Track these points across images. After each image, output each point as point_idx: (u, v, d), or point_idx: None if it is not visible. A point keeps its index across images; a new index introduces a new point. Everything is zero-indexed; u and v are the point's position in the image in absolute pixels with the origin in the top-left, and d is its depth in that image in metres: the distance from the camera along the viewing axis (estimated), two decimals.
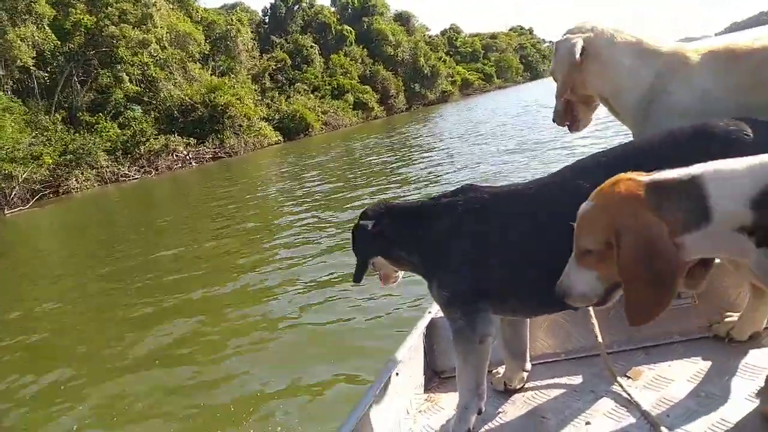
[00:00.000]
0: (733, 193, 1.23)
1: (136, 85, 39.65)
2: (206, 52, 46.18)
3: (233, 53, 53.73)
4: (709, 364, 1.84)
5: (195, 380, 4.52)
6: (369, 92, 60.79)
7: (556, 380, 2.00)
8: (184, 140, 36.63)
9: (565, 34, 2.07)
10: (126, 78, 38.53)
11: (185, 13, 55.04)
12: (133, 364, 5.06)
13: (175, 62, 42.06)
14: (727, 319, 1.95)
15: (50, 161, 29.02)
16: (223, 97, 39.72)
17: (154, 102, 39.92)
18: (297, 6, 65.32)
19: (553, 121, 2.26)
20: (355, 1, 69.64)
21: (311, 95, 56.82)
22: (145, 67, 38.77)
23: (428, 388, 2.23)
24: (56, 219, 22.61)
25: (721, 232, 1.24)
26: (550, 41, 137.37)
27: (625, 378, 1.88)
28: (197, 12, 55.95)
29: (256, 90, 55.05)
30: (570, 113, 2.21)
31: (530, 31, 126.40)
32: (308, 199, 12.77)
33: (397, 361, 2.10)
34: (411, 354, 2.18)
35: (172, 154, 34.97)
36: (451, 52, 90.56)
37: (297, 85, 56.53)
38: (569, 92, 2.11)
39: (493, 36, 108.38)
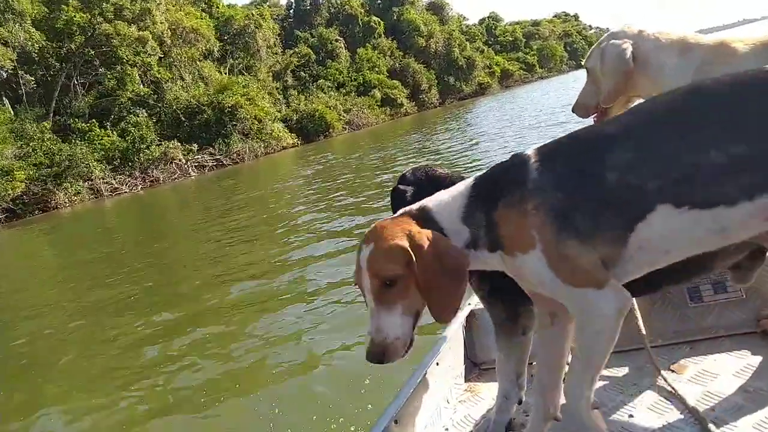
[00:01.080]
0: (450, 215, 1.44)
1: (145, 87, 36.53)
2: (216, 49, 42.60)
3: (252, 50, 50.17)
4: (757, 359, 1.79)
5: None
6: (398, 87, 56.21)
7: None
8: (184, 147, 33.06)
9: (610, 38, 2.08)
10: (129, 80, 35.33)
11: (203, 8, 52.10)
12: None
13: (183, 61, 38.67)
14: None
15: (23, 176, 25.82)
16: (231, 97, 36.01)
17: (160, 105, 36.63)
18: None
19: (573, 111, 2.28)
20: None
21: (335, 92, 52.76)
22: (148, 68, 35.40)
23: (468, 378, 2.24)
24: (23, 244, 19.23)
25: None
26: (597, 27, 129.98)
27: (670, 372, 1.84)
28: (216, 7, 52.82)
29: (277, 88, 51.43)
30: (602, 109, 2.19)
31: (575, 17, 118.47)
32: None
33: (438, 351, 2.11)
34: (451, 344, 2.19)
35: (171, 163, 31.42)
36: (490, 42, 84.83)
37: (320, 81, 52.54)
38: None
39: (536, 23, 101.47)
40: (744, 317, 1.98)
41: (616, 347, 1.91)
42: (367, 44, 58.86)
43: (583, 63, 2.25)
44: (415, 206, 1.50)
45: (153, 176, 31.11)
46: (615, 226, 1.30)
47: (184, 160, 31.44)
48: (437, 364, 2.07)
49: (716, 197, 1.25)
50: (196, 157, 32.99)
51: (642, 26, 2.04)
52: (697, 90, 1.36)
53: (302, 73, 53.54)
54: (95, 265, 11.22)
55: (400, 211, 1.51)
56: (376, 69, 57.31)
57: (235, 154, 34.62)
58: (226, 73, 47.88)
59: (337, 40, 56.90)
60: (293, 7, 61.75)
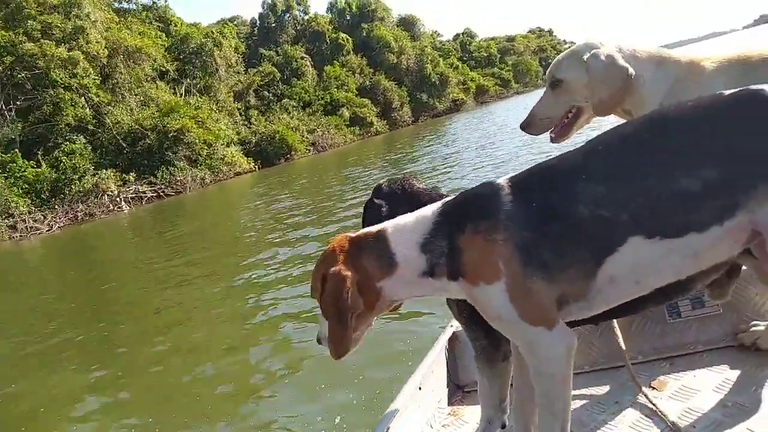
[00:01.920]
0: (407, 241, 1.42)
1: (87, 111, 32.91)
2: (172, 69, 39.22)
3: (210, 69, 46.86)
4: (735, 373, 1.79)
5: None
6: (368, 105, 53.17)
7: (580, 392, 1.91)
8: (121, 177, 29.42)
9: (588, 49, 2.01)
10: (66, 104, 31.70)
11: (159, 27, 48.78)
12: None
13: (128, 83, 35.19)
14: (753, 328, 1.91)
15: None
16: (177, 120, 32.52)
17: (100, 131, 33.04)
18: (287, 15, 58.18)
19: (523, 128, 2.19)
20: (353, 7, 62.22)
21: (300, 112, 49.55)
22: (86, 91, 31.85)
23: (451, 401, 2.21)
24: None
25: (410, 277, 1.43)
26: (571, 41, 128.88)
27: (650, 389, 1.83)
28: (174, 25, 49.53)
29: (239, 108, 48.11)
30: (563, 123, 2.15)
31: (550, 32, 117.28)
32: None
33: (420, 375, 2.08)
34: (433, 368, 2.17)
35: (103, 196, 27.76)
36: (464, 58, 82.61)
37: (284, 101, 49.32)
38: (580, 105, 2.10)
39: (510, 39, 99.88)
40: (722, 331, 1.98)
41: (598, 365, 2.02)
42: (335, 62, 55.87)
43: (553, 74, 2.10)
44: (375, 229, 1.49)
45: (82, 210, 27.36)
46: (585, 260, 1.29)
47: (116, 192, 27.74)
48: (419, 388, 2.03)
49: (687, 224, 1.24)
50: (133, 187, 29.28)
51: (613, 40, 2.02)
52: (661, 118, 1.34)
53: (266, 92, 50.31)
54: (19, 315, 9.67)
55: (359, 232, 1.51)
56: (345, 87, 54.28)
57: (178, 183, 30.97)
58: (182, 94, 44.53)
59: (302, 58, 53.83)
60: (257, 24, 58.62)
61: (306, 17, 59.51)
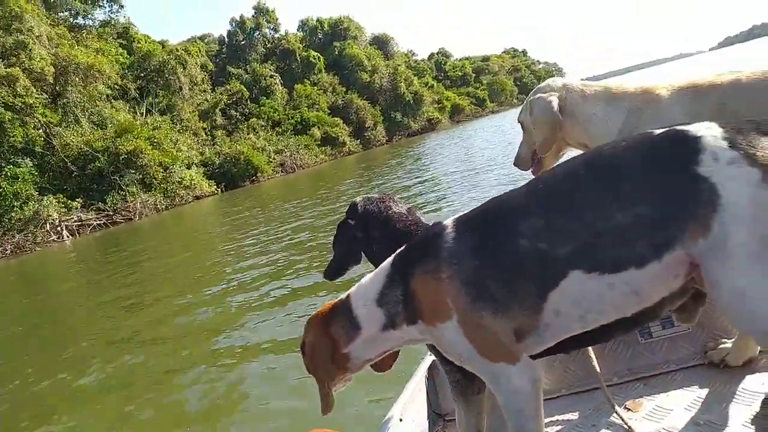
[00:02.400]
0: (365, 300, 1.46)
1: (35, 132, 30.34)
2: (121, 87, 36.88)
3: (173, 88, 44.62)
4: (705, 391, 1.82)
5: None
6: (339, 125, 51.38)
7: (557, 417, 1.93)
8: (65, 203, 26.84)
9: (536, 93, 2.17)
10: (10, 125, 29.12)
11: (121, 44, 46.49)
12: None
13: (80, 102, 32.74)
14: (721, 346, 1.93)
15: None
16: (130, 142, 30.11)
17: (49, 154, 30.47)
18: (257, 33, 56.35)
19: (515, 165, 2.35)
20: (325, 25, 60.73)
21: (269, 131, 47.48)
22: (31, 110, 29.33)
23: (433, 431, 2.17)
24: None
25: (375, 334, 1.46)
26: (545, 62, 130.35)
27: (626, 410, 1.85)
28: (138, 42, 47.27)
29: (205, 128, 45.83)
30: (535, 158, 2.28)
31: (524, 52, 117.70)
32: None
33: (401, 405, 2.05)
34: (414, 396, 2.14)
35: (45, 224, 25.13)
36: (440, 77, 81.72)
37: (252, 120, 47.21)
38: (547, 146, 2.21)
39: (485, 59, 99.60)
40: (692, 350, 2.00)
41: (574, 388, 2.03)
42: (305, 80, 54.09)
43: (517, 118, 2.29)
44: (345, 294, 1.54)
45: (20, 241, 24.69)
46: (529, 293, 1.30)
47: (57, 221, 25.15)
48: (400, 419, 2.01)
49: (625, 259, 1.25)
50: (79, 215, 26.68)
51: (566, 80, 2.15)
52: (597, 156, 1.37)
53: (233, 111, 48.17)
54: None
55: (336, 300, 1.56)
56: (316, 106, 52.44)
57: (128, 210, 28.41)
58: (142, 114, 42.14)
59: (272, 77, 51.93)
60: (226, 42, 56.64)
61: (276, 35, 57.76)
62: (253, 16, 56.78)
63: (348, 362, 1.51)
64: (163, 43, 47.16)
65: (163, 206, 30.16)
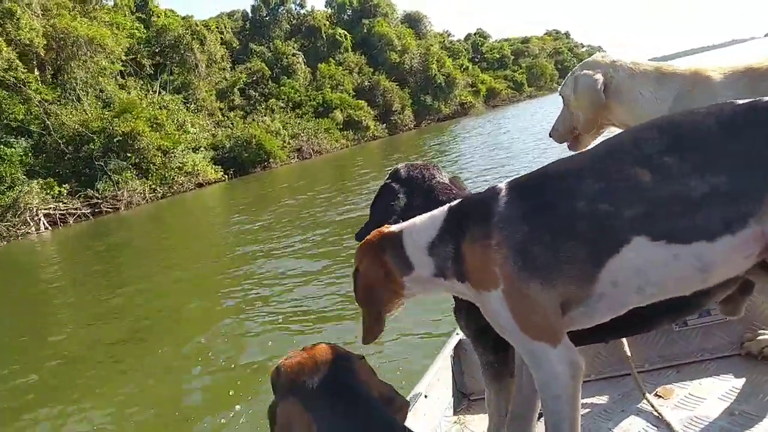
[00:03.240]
0: (415, 244, 1.40)
1: (37, 109, 28.07)
2: (132, 63, 34.31)
3: (189, 65, 41.92)
4: (742, 381, 1.76)
5: None
6: (364, 108, 47.88)
7: (586, 401, 1.87)
8: (47, 189, 24.35)
9: (582, 68, 2.05)
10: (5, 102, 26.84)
11: (138, 17, 43.97)
12: None
13: (81, 79, 30.24)
14: (760, 337, 1.89)
15: None
16: (127, 123, 27.43)
17: (45, 133, 28.14)
18: (281, 8, 53.01)
19: (550, 136, 2.25)
20: (354, 1, 56.90)
21: (290, 113, 44.46)
22: (23, 85, 26.94)
23: (458, 410, 2.15)
24: None
25: (427, 277, 1.41)
26: (588, 45, 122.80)
27: (656, 397, 1.81)
28: (157, 16, 44.68)
29: (221, 109, 43.11)
30: (573, 133, 2.18)
31: (567, 34, 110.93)
32: None
33: (426, 383, 2.04)
34: (439, 375, 2.12)
35: (23, 213, 22.67)
36: (476, 59, 77.04)
37: (271, 101, 44.22)
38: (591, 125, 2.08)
39: (525, 41, 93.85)
40: (728, 340, 1.94)
41: (604, 373, 1.95)
42: (330, 59, 50.65)
43: (558, 90, 2.19)
44: (396, 228, 1.47)
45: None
46: (585, 260, 1.22)
47: (35, 210, 22.67)
48: (425, 396, 1.99)
49: (695, 230, 1.18)
50: (58, 203, 24.19)
51: (617, 56, 2.01)
52: (673, 123, 1.29)
53: (252, 91, 45.27)
54: None
55: (390, 229, 1.48)
56: (341, 87, 49.05)
57: (114, 199, 25.72)
58: (155, 92, 39.61)
59: (294, 55, 48.68)
60: (249, 18, 53.53)
61: (302, 11, 54.35)
62: None
63: (403, 290, 1.45)
64: (176, 17, 44.29)
65: (160, 194, 27.47)
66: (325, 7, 57.65)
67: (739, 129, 1.18)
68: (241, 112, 43.12)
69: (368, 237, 1.49)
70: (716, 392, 1.74)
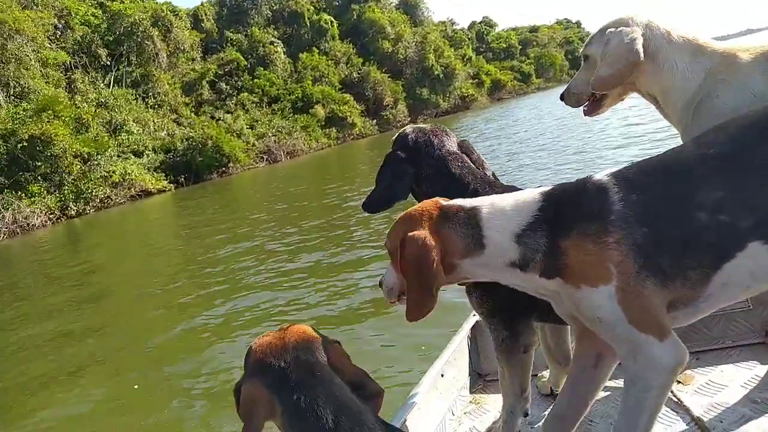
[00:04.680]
0: (501, 226, 1.29)
1: None
2: (104, 55, 29.07)
3: (148, 54, 36.59)
4: (765, 369, 1.72)
5: None
6: (349, 102, 42.37)
7: (605, 384, 1.86)
8: None
9: (616, 26, 1.85)
10: None
11: (97, 1, 38.71)
12: None
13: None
14: None
15: None
16: (37, 125, 22.06)
17: None
18: None
19: (561, 98, 2.08)
20: None
21: (264, 108, 39.05)
22: None
23: (473, 389, 2.16)
24: None
25: (497, 263, 1.31)
26: None
27: (676, 382, 1.74)
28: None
29: (188, 104, 37.79)
30: (593, 99, 2.01)
31: (578, 24, 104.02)
32: None
33: (443, 362, 2.02)
34: (456, 355, 2.11)
35: None
36: (481, 49, 70.99)
37: (243, 95, 38.81)
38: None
39: (534, 29, 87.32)
40: (751, 327, 1.91)
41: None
42: (314, 48, 45.03)
43: (580, 51, 1.98)
44: (467, 203, 1.35)
45: None
46: (700, 265, 1.22)
47: None
48: (442, 375, 1.98)
49: None
50: None
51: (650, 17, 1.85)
52: None
53: (223, 84, 39.87)
54: None
55: (451, 203, 1.36)
56: (325, 79, 43.51)
57: (18, 221, 20.36)
58: (112, 86, 34.36)
59: (272, 43, 43.13)
60: (227, 2, 47.91)
61: None
62: None
63: (450, 273, 1.33)
64: (135, 1, 38.87)
65: (74, 211, 22.11)
66: None
67: None
68: (211, 108, 37.80)
69: (421, 205, 1.35)
70: (738, 379, 1.71)
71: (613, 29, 1.81)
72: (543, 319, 1.63)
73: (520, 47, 76.39)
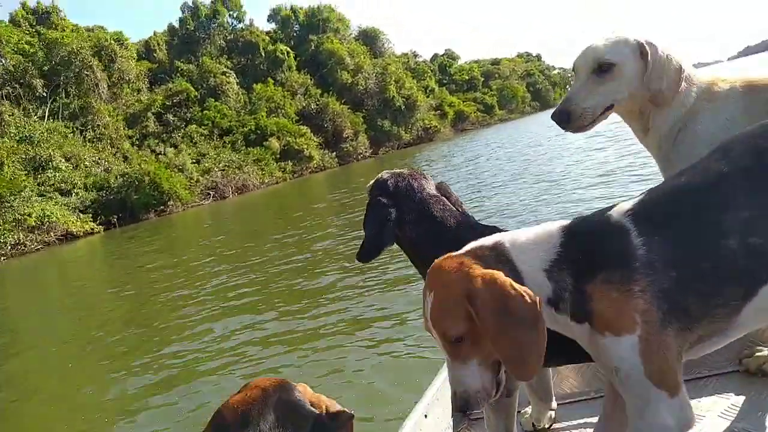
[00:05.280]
0: (529, 260, 1.20)
1: None
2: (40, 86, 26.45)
3: (87, 85, 34.07)
4: (741, 399, 1.73)
5: None
6: (306, 134, 40.42)
7: (586, 420, 1.86)
8: None
9: (622, 39, 1.79)
10: None
11: (31, 30, 36.21)
12: None
13: None
14: (757, 353, 1.84)
15: None
16: None
17: None
18: (213, 23, 45.51)
19: (561, 118, 1.86)
20: (300, 15, 49.71)
21: (215, 141, 36.75)
22: None
23: (457, 429, 2.09)
24: None
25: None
26: (561, 68, 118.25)
27: None
28: (54, 27, 36.92)
29: (132, 137, 35.22)
30: (604, 116, 1.97)
31: (538, 57, 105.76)
32: None
33: (426, 402, 2.01)
34: (439, 395, 2.07)
35: None
36: (444, 81, 70.57)
37: (191, 127, 36.47)
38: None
39: (496, 62, 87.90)
40: (726, 356, 1.91)
41: (603, 392, 1.80)
42: (269, 79, 43.18)
43: (602, 57, 1.76)
44: (488, 242, 1.25)
45: None
46: (732, 297, 1.14)
47: None
48: (425, 416, 1.96)
49: None
50: None
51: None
52: None
53: (170, 116, 37.47)
54: None
55: (470, 246, 1.25)
56: (281, 110, 41.56)
57: None
58: (47, 118, 31.62)
59: (224, 73, 41.10)
60: (178, 32, 45.85)
61: (239, 25, 46.94)
62: (211, 1, 45.97)
63: None
64: (75, 29, 36.52)
65: None
66: (268, 21, 50.45)
67: None
68: (155, 141, 35.29)
69: (445, 259, 1.21)
70: (716, 409, 1.71)
71: (644, 41, 1.72)
72: None
73: (482, 79, 76.46)
